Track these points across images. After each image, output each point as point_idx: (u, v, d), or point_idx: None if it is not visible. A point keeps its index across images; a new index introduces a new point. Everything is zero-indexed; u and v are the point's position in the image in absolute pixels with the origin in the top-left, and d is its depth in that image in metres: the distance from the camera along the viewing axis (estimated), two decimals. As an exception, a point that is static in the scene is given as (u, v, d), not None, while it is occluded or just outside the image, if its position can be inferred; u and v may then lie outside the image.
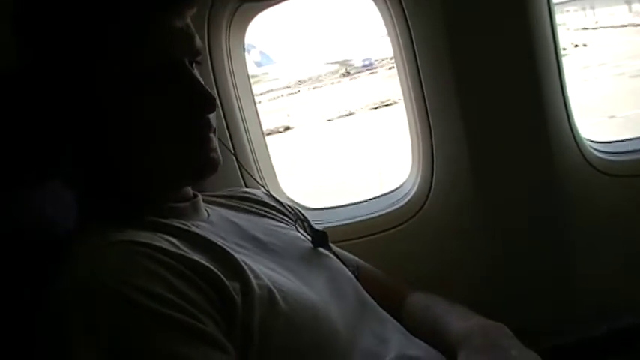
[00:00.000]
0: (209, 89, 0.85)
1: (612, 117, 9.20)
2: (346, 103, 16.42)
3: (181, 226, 0.86)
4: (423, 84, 1.52)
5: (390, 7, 1.50)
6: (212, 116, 0.88)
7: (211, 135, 0.88)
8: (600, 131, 7.62)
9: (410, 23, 1.48)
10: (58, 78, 0.81)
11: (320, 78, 23.18)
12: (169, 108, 0.82)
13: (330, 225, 1.59)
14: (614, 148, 1.65)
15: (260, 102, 20.08)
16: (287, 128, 15.51)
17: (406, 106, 1.64)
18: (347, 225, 1.62)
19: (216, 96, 1.51)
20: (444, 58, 1.48)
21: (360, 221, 1.63)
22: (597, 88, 11.50)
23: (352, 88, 19.73)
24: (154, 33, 0.81)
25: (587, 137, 1.62)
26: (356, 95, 17.53)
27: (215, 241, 0.85)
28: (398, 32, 1.52)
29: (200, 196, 0.98)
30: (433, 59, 1.50)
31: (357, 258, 1.20)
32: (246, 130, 1.62)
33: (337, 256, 1.08)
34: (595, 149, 1.61)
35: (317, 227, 1.13)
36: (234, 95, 1.59)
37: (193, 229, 0.87)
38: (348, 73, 22.32)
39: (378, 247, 1.58)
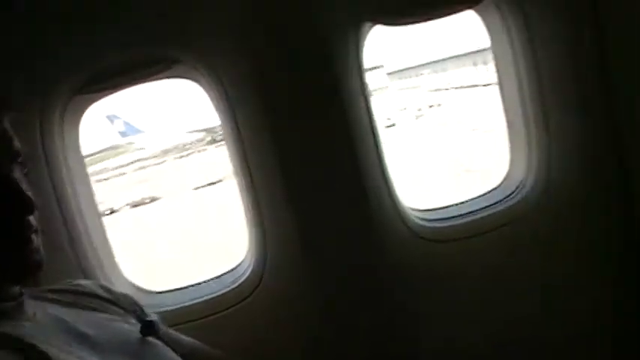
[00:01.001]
0: (26, 191, 0.87)
1: (468, 171, 9.93)
2: (213, 171, 16.33)
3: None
4: (251, 172, 1.64)
5: (217, 95, 1.61)
6: (33, 218, 0.89)
7: (33, 236, 0.89)
8: (457, 184, 8.73)
9: (235, 111, 1.60)
10: None
11: (186, 146, 22.99)
12: None
13: (171, 308, 1.60)
14: (434, 215, 1.82)
15: (125, 173, 19.51)
16: (154, 199, 15.12)
17: (240, 193, 1.75)
18: (187, 307, 1.64)
19: (51, 185, 1.52)
20: (268, 145, 1.61)
21: (200, 302, 1.65)
22: (455, 144, 12.44)
23: (218, 156, 19.70)
24: None
25: (410, 206, 1.78)
26: (222, 162, 17.47)
27: (30, 341, 0.85)
28: (225, 117, 1.63)
29: (25, 295, 0.97)
30: (258, 142, 1.62)
31: (193, 340, 1.22)
32: (82, 217, 1.62)
33: (168, 343, 1.10)
34: (418, 217, 1.77)
35: (150, 314, 1.14)
36: (67, 182, 1.59)
37: (13, 330, 0.87)
38: (214, 140, 22.27)
39: (221, 326, 1.62)
